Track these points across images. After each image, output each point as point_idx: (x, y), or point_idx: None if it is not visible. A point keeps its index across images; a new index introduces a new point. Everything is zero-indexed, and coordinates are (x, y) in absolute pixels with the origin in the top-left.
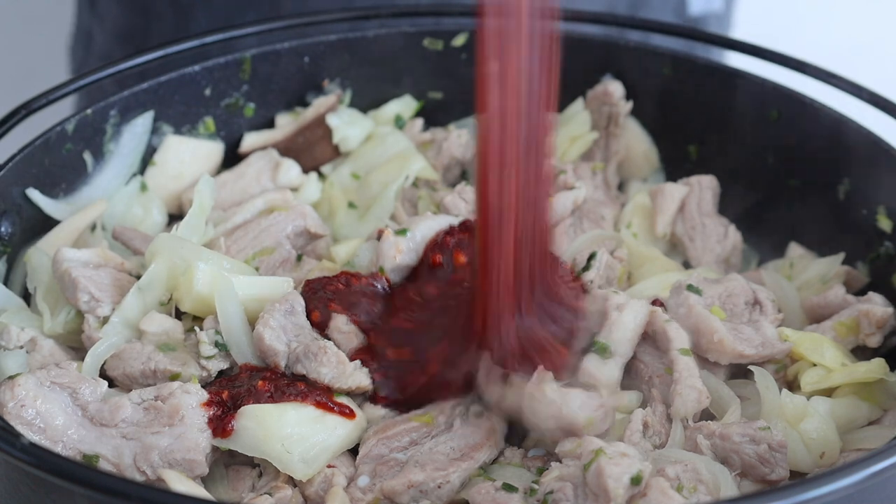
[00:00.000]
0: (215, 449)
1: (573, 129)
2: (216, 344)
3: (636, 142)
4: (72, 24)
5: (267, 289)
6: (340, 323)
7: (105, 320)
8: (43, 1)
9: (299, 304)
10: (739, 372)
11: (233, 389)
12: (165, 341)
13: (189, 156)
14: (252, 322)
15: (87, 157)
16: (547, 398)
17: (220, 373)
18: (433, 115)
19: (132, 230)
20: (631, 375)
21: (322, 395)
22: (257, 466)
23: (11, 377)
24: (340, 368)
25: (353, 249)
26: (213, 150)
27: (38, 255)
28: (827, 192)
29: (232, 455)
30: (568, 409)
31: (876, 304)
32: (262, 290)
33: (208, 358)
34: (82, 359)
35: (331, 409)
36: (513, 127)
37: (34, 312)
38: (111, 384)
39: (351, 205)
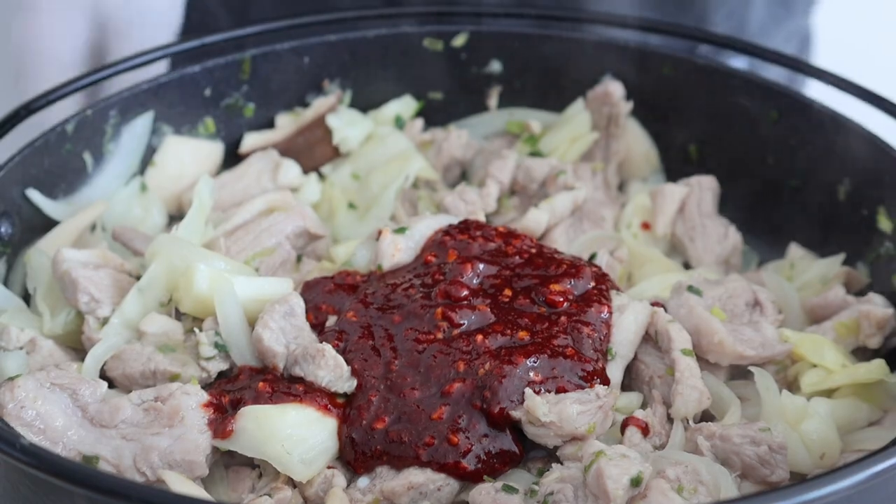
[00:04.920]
0: (215, 450)
1: (573, 129)
2: (216, 345)
3: (636, 142)
4: None
5: (267, 290)
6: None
7: (105, 321)
8: None
9: (299, 305)
10: (740, 373)
11: (233, 392)
12: (165, 342)
13: (189, 156)
14: (252, 323)
15: (87, 157)
16: (543, 421)
17: (220, 374)
18: (433, 115)
19: (132, 231)
20: (631, 376)
21: (323, 397)
22: (257, 467)
23: (11, 378)
24: (338, 372)
25: (352, 250)
26: (213, 150)
27: (38, 255)
28: (827, 192)
29: (232, 456)
30: (570, 425)
31: (876, 304)
32: (261, 291)
33: (208, 359)
34: (82, 360)
35: (331, 412)
36: None
37: (34, 313)
38: (111, 385)
39: (351, 205)
